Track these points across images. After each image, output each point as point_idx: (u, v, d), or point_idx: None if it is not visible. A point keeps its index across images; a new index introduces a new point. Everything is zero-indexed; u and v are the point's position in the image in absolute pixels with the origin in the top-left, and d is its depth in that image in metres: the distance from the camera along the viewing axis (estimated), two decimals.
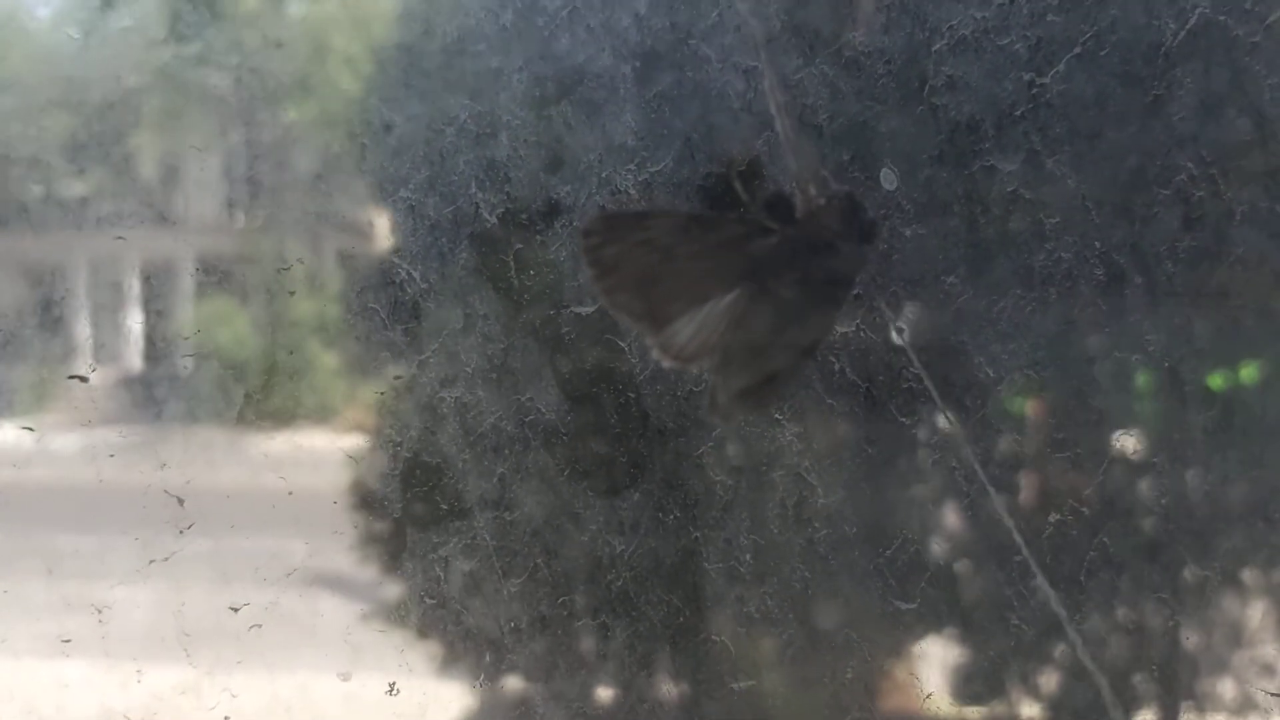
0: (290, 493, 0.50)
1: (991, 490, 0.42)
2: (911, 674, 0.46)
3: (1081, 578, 0.42)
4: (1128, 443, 0.43)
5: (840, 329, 0.43)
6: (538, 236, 0.46)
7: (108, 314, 0.61)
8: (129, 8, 0.55)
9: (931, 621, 0.46)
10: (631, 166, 0.45)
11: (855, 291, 0.42)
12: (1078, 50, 0.39)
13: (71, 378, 0.54)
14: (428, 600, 0.50)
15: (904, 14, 0.42)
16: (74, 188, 0.55)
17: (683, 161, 0.44)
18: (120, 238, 0.54)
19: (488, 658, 0.50)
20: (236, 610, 0.50)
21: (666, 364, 0.40)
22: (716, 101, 0.44)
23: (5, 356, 0.56)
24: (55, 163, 0.54)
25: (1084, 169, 0.40)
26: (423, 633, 0.50)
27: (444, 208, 0.47)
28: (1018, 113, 0.40)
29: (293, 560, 0.51)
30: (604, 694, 0.50)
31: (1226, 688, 0.45)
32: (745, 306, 0.39)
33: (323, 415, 0.54)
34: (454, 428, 0.48)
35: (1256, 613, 0.44)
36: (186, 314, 0.58)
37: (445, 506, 0.49)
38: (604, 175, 0.45)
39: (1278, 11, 0.38)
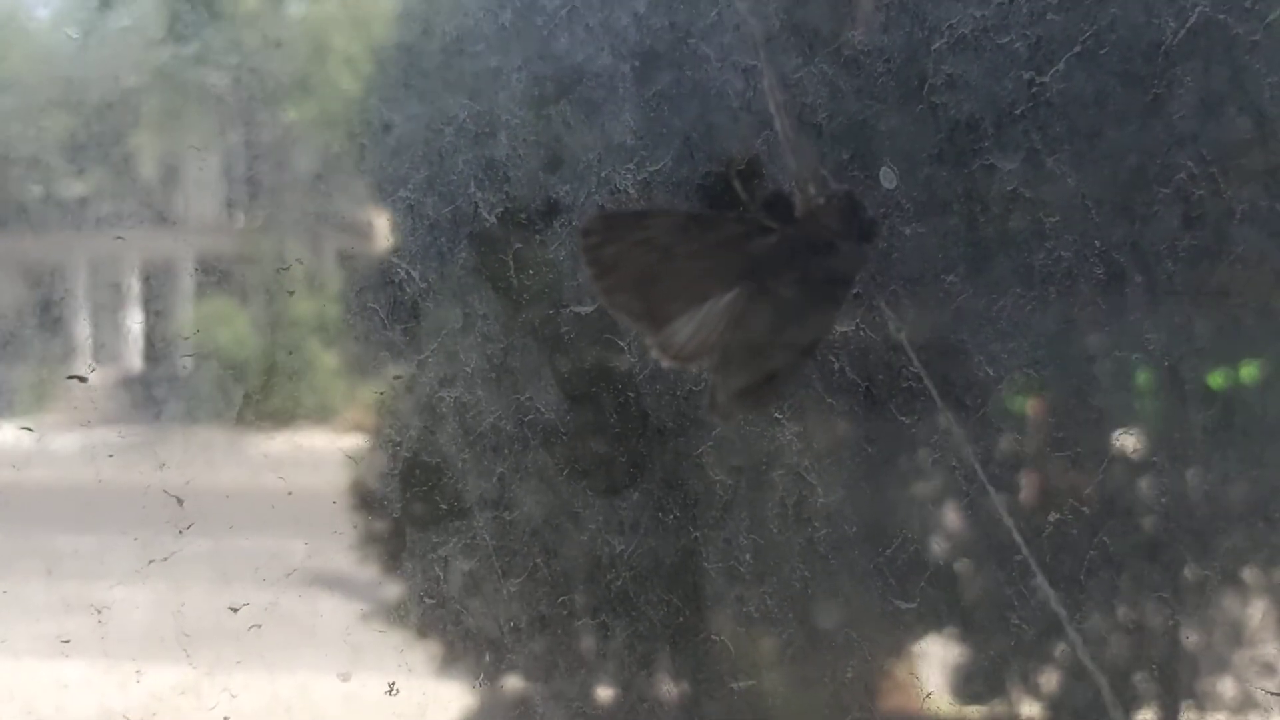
0: (290, 493, 0.50)
1: (991, 489, 0.42)
2: (911, 673, 0.46)
3: (1081, 577, 0.42)
4: (1128, 442, 0.43)
5: (840, 328, 0.43)
6: (537, 236, 0.46)
7: (107, 314, 0.61)
8: (128, 8, 0.55)
9: (931, 621, 0.46)
10: (630, 166, 0.45)
11: (855, 290, 0.42)
12: (1077, 49, 0.39)
13: (71, 378, 0.54)
14: (427, 600, 0.50)
15: (903, 13, 0.41)
16: (73, 188, 0.55)
17: (682, 161, 0.44)
18: (120, 238, 0.54)
19: (487, 657, 0.50)
20: (236, 610, 0.50)
21: (666, 363, 0.40)
22: (715, 100, 0.44)
23: (5, 357, 0.56)
24: (55, 163, 0.54)
25: (1084, 168, 0.40)
26: (422, 633, 0.50)
27: (443, 207, 0.47)
28: (1017, 111, 0.40)
29: (292, 560, 0.51)
30: (604, 694, 0.50)
31: (1227, 687, 0.44)
32: (744, 306, 0.39)
33: (322, 415, 0.54)
34: (453, 427, 0.48)
35: (1257, 612, 0.44)
36: (186, 314, 0.58)
37: (445, 506, 0.49)
38: (603, 174, 0.45)
39: (1277, 10, 0.38)
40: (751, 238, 0.39)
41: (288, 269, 0.52)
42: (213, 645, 0.51)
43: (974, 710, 0.47)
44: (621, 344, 0.46)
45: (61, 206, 0.55)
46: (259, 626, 0.50)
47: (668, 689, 0.49)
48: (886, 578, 0.44)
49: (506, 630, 0.49)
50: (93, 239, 0.58)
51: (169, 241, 0.57)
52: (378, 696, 0.50)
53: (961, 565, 0.45)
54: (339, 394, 0.54)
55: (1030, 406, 0.43)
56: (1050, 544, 0.42)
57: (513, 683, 0.51)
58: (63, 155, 0.54)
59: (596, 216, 0.42)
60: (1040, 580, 0.42)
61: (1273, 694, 0.44)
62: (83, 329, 0.60)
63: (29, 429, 0.55)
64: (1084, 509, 0.42)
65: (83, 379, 0.54)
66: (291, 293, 0.51)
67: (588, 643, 0.49)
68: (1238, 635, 0.44)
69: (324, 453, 0.52)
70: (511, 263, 0.47)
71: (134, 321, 0.60)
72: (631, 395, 0.46)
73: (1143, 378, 0.42)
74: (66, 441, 0.56)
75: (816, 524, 0.45)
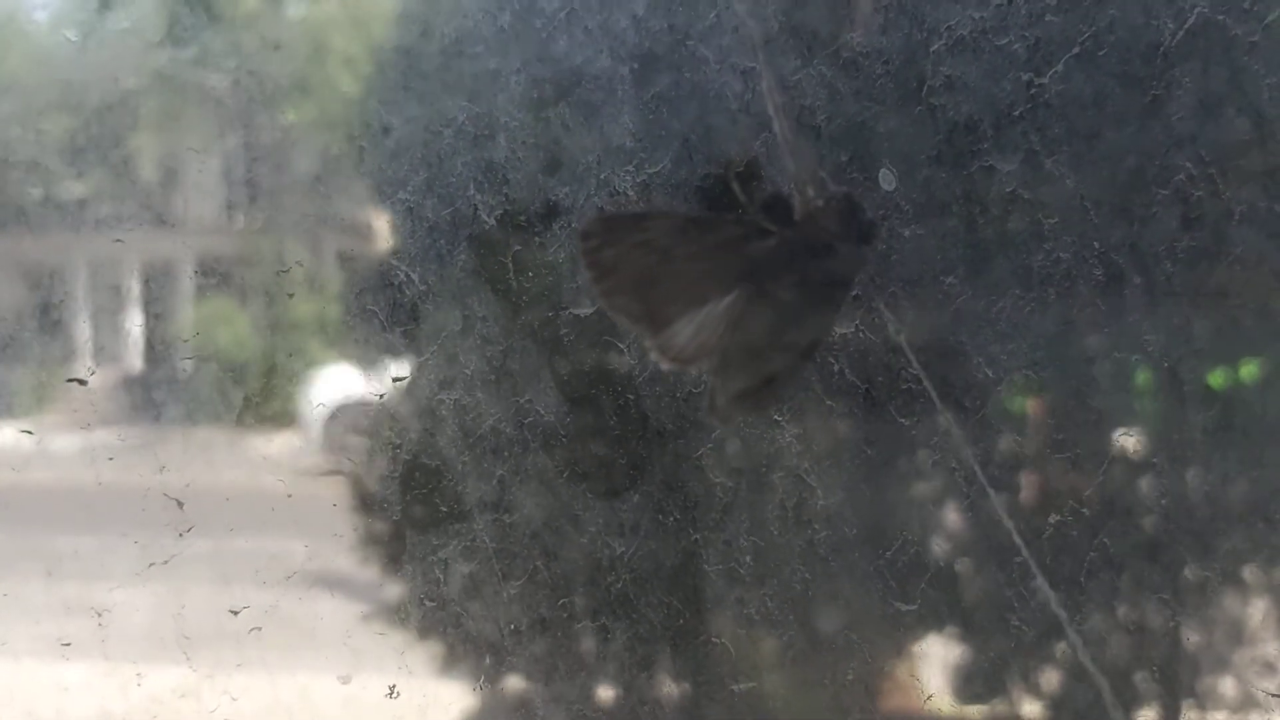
0: (290, 495, 0.50)
1: (991, 491, 0.42)
2: (912, 675, 0.46)
3: (1082, 578, 0.42)
4: (1127, 443, 0.43)
5: (839, 330, 0.43)
6: (536, 238, 0.46)
7: (107, 317, 0.61)
8: (126, 10, 0.55)
9: (932, 623, 0.46)
10: (630, 168, 0.45)
11: (854, 292, 0.42)
12: (1076, 50, 0.39)
13: (70, 381, 0.54)
14: (427, 603, 0.50)
15: (902, 14, 0.41)
16: (73, 190, 0.55)
17: (681, 163, 0.44)
18: (119, 240, 0.54)
19: (488, 660, 0.50)
20: (236, 613, 0.50)
21: (665, 366, 0.40)
22: (714, 103, 0.44)
23: (5, 359, 0.56)
24: (54, 165, 0.54)
25: (1082, 169, 0.40)
26: (423, 635, 0.50)
27: (442, 210, 0.47)
28: (1016, 113, 0.40)
29: (292, 563, 0.51)
30: (604, 696, 0.50)
31: (1227, 687, 0.44)
32: (744, 308, 0.39)
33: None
34: (453, 430, 0.48)
35: (1258, 612, 0.44)
36: (186, 316, 0.58)
37: (445, 509, 0.49)
38: (602, 177, 0.45)
39: (1276, 11, 0.38)
40: (750, 240, 0.39)
41: (288, 271, 0.52)
42: (213, 648, 0.51)
43: (975, 711, 0.47)
44: (621, 346, 0.46)
45: (61, 209, 0.55)
46: (259, 629, 0.50)
47: (668, 691, 0.49)
48: (887, 579, 0.44)
49: (507, 633, 0.49)
50: (92, 241, 0.58)
51: (169, 244, 0.57)
52: (378, 699, 0.50)
53: (962, 567, 0.45)
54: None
55: (1030, 407, 0.43)
56: (1050, 545, 0.42)
57: (513, 685, 0.51)
58: (62, 158, 0.54)
59: (596, 219, 0.42)
60: (1041, 582, 0.42)
61: (1273, 695, 0.44)
62: (82, 331, 0.60)
63: (29, 432, 0.55)
64: (1084, 510, 0.42)
65: (82, 382, 0.54)
66: (291, 295, 0.51)
67: (588, 645, 0.49)
68: (1238, 635, 0.44)
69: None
70: (511, 265, 0.47)
71: (134, 324, 0.60)
72: (631, 397, 0.46)
73: (1142, 379, 0.42)
74: (66, 444, 0.56)
75: (817, 526, 0.45)
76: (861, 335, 0.43)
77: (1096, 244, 0.40)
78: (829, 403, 0.44)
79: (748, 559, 0.46)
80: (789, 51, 0.43)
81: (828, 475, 0.45)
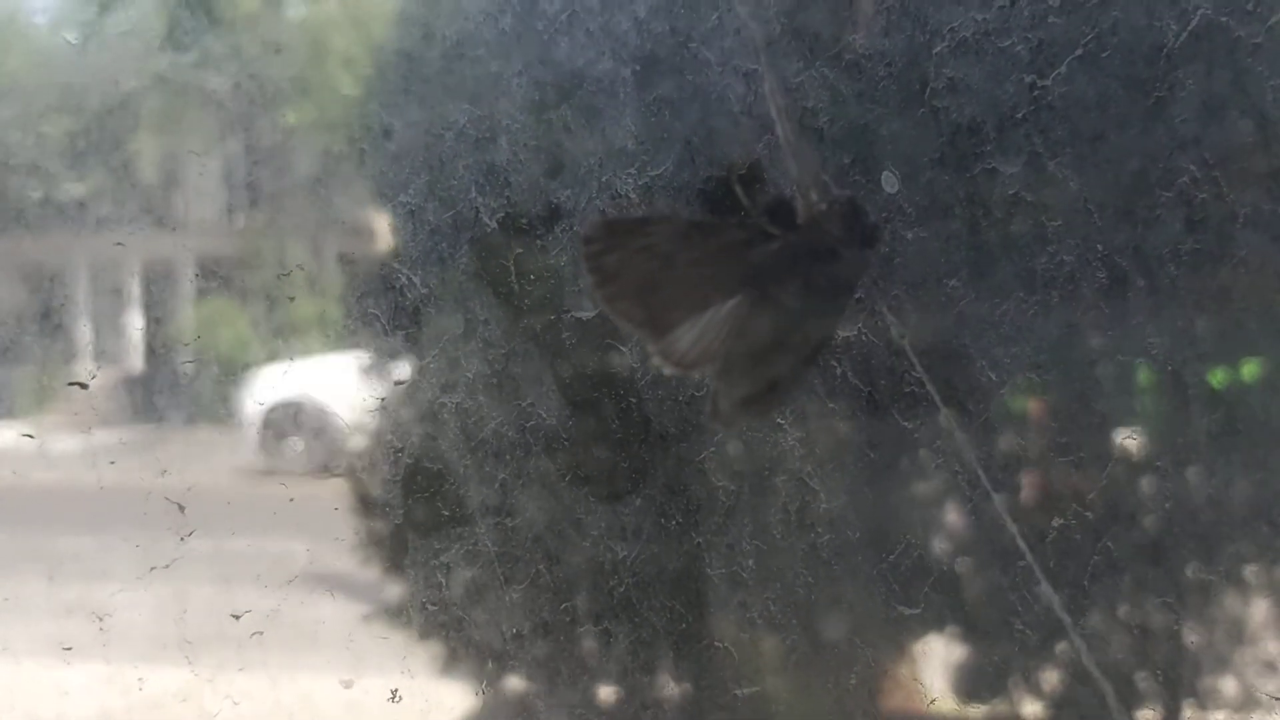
0: (291, 499, 0.50)
1: (994, 494, 0.42)
2: (915, 679, 0.46)
3: (1085, 582, 0.42)
4: (1131, 445, 0.43)
5: (842, 333, 0.42)
6: (538, 241, 0.46)
7: (108, 319, 0.61)
8: (127, 12, 0.55)
9: (935, 626, 0.46)
10: (632, 171, 0.44)
11: (857, 296, 0.42)
12: (1079, 52, 0.39)
13: (72, 384, 0.54)
14: (429, 607, 0.49)
15: (904, 16, 0.41)
16: (74, 193, 0.55)
17: (683, 165, 0.44)
18: (120, 244, 0.54)
19: (490, 664, 0.50)
20: (238, 617, 0.50)
21: (668, 371, 0.40)
22: (716, 105, 0.44)
23: (6, 361, 0.56)
24: (55, 168, 0.54)
25: (1086, 171, 0.40)
26: (425, 639, 0.50)
27: (444, 213, 0.47)
28: (1019, 115, 0.40)
29: (294, 567, 0.51)
30: (607, 700, 0.50)
31: (1231, 688, 0.44)
32: (747, 313, 0.39)
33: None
34: (455, 433, 0.48)
35: (1260, 613, 0.44)
36: (187, 318, 0.58)
37: (446, 512, 0.49)
38: (604, 179, 0.45)
39: (1279, 13, 0.38)
40: (754, 244, 0.38)
41: (288, 274, 0.52)
42: (215, 652, 0.51)
43: (978, 714, 0.47)
44: (623, 349, 0.46)
45: (62, 211, 0.55)
46: (261, 633, 0.50)
47: (671, 695, 0.49)
48: (890, 583, 0.44)
49: (509, 636, 0.49)
50: (93, 244, 0.58)
51: (170, 246, 0.57)
52: (380, 703, 0.50)
53: (965, 570, 0.45)
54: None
55: (1032, 408, 0.43)
56: (1054, 549, 0.42)
57: (516, 689, 0.51)
58: (63, 160, 0.54)
59: (598, 223, 0.42)
60: (1045, 586, 0.42)
61: (1275, 697, 0.44)
62: (83, 334, 0.60)
63: (30, 435, 0.55)
64: (1088, 514, 0.42)
65: (84, 385, 0.54)
66: (292, 298, 0.51)
67: (590, 649, 0.49)
68: (1241, 636, 0.44)
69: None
70: (512, 268, 0.47)
71: (134, 327, 0.60)
72: (633, 401, 0.46)
73: (1146, 381, 0.42)
74: (67, 446, 0.56)
75: (819, 529, 0.45)
76: (864, 338, 0.43)
77: (1100, 246, 0.40)
78: (831, 406, 0.44)
79: (750, 563, 0.46)
80: (791, 54, 0.42)
81: (830, 478, 0.45)
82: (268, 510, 0.51)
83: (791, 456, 0.45)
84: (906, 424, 0.43)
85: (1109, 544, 0.42)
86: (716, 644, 0.47)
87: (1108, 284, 0.41)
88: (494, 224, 0.47)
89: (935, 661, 0.46)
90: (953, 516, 0.45)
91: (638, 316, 0.39)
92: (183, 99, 0.55)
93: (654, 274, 0.38)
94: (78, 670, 0.52)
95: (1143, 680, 0.44)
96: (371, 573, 0.52)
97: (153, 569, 0.50)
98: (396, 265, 0.48)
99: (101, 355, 0.60)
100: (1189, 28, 0.38)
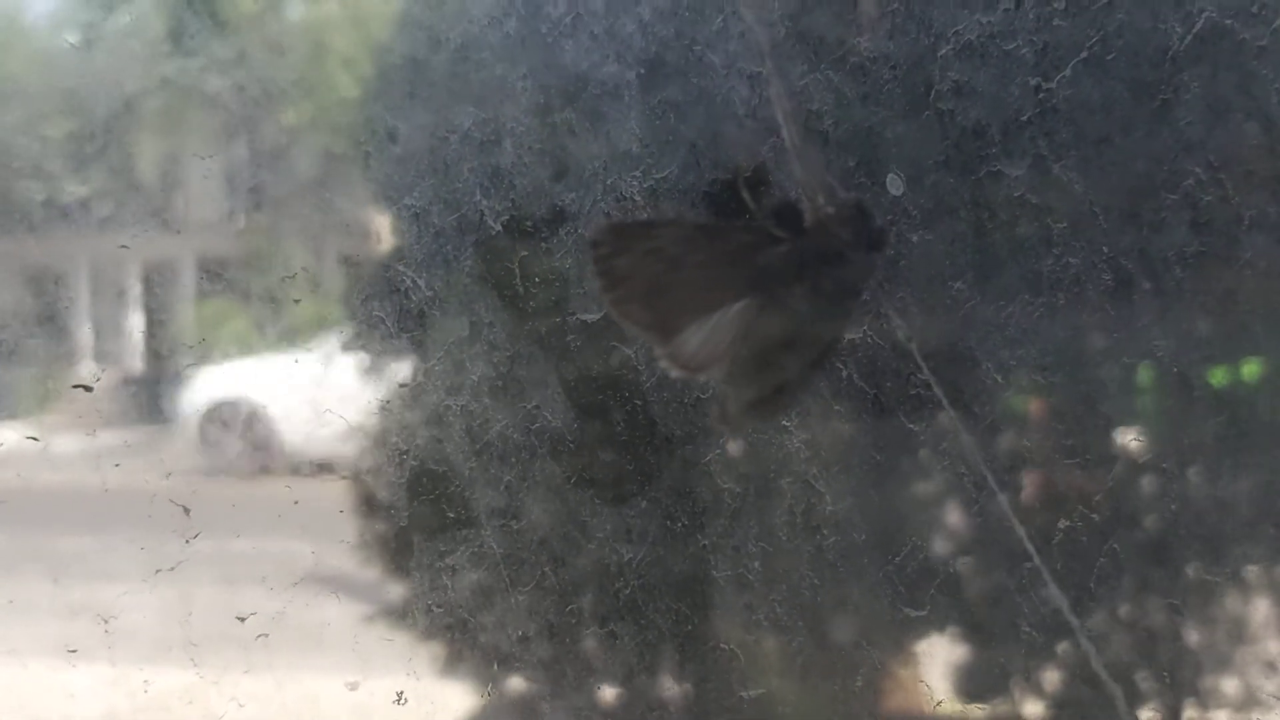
0: (296, 501, 0.50)
1: (1002, 496, 0.42)
2: (922, 681, 0.46)
3: (1091, 584, 0.42)
4: (1137, 447, 0.43)
5: (848, 335, 0.43)
6: (543, 244, 0.46)
7: (111, 321, 0.61)
8: (128, 14, 0.55)
9: (942, 629, 0.46)
10: (637, 174, 0.44)
11: (863, 298, 0.42)
12: (1084, 55, 0.39)
13: (76, 387, 0.54)
14: (435, 609, 0.50)
15: (909, 20, 0.41)
16: (77, 195, 0.55)
17: (688, 169, 0.44)
18: (125, 246, 0.54)
19: (495, 666, 0.50)
20: (243, 619, 0.50)
21: (675, 374, 0.40)
22: (722, 108, 0.44)
23: (10, 363, 0.56)
24: (57, 170, 0.54)
25: (1091, 174, 0.40)
26: (430, 641, 0.50)
27: (449, 215, 0.47)
28: (1024, 118, 0.40)
29: (299, 569, 0.51)
30: (612, 702, 0.50)
31: (1231, 687, 0.44)
32: (754, 316, 0.39)
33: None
34: (460, 436, 0.48)
35: (1261, 613, 0.44)
36: (191, 320, 0.58)
37: (452, 515, 0.49)
38: (609, 182, 0.45)
39: None
40: (761, 247, 0.38)
41: (293, 277, 0.52)
42: (220, 654, 0.51)
43: (983, 714, 0.47)
44: (629, 352, 0.46)
45: (66, 214, 0.55)
46: (266, 635, 0.50)
47: (676, 697, 0.49)
48: (896, 585, 0.44)
49: (515, 639, 0.49)
50: (97, 246, 0.58)
51: (174, 249, 0.57)
52: (386, 705, 0.50)
53: (971, 573, 0.45)
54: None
55: (1034, 408, 0.43)
56: (1060, 551, 0.42)
57: (521, 691, 0.51)
58: (66, 162, 0.54)
59: (606, 227, 0.42)
60: (1053, 589, 0.42)
61: (1278, 698, 0.44)
62: (88, 336, 0.60)
63: (34, 438, 0.55)
64: (1094, 515, 0.42)
65: (88, 388, 0.54)
66: (297, 301, 0.51)
67: (596, 651, 0.49)
68: (1245, 636, 0.44)
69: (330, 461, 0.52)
70: (517, 271, 0.47)
71: (138, 328, 0.60)
72: (639, 403, 0.46)
73: (1151, 382, 0.42)
74: (72, 449, 0.56)
75: (825, 532, 0.45)
76: (870, 340, 0.43)
77: (1105, 249, 0.40)
78: (837, 408, 0.44)
79: (756, 565, 0.46)
80: (796, 57, 0.42)
81: (836, 481, 0.45)
82: (272, 512, 0.51)
83: (797, 459, 0.45)
84: (912, 426, 0.43)
85: (1116, 546, 0.42)
86: (722, 646, 0.47)
87: (1113, 286, 0.41)
88: (499, 227, 0.47)
89: (941, 663, 0.46)
90: (959, 518, 0.45)
91: (645, 319, 0.39)
92: (185, 101, 0.55)
93: (661, 277, 0.38)
94: (83, 672, 0.52)
95: (1146, 677, 0.44)
96: (377, 575, 0.52)
97: (158, 571, 0.50)
98: (401, 268, 0.48)
99: (105, 357, 0.60)
100: (1194, 31, 0.38)
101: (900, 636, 0.46)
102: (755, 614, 0.46)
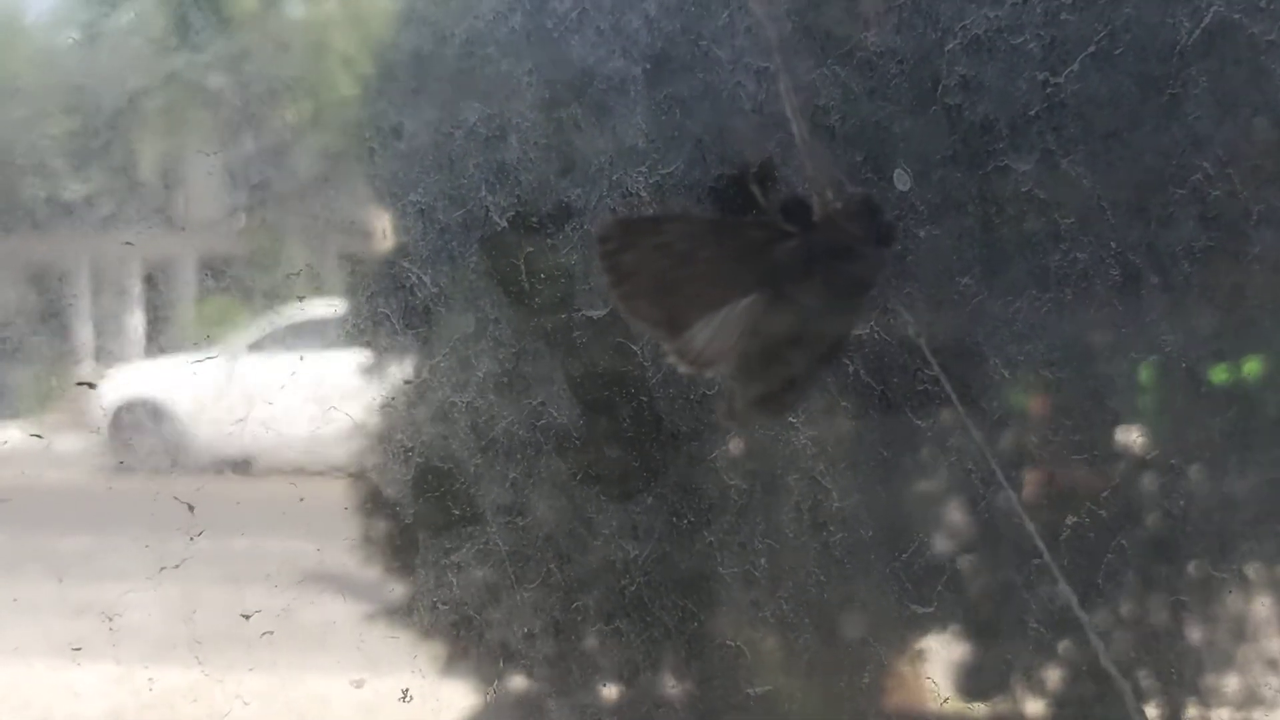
0: (301, 499, 0.50)
1: (1011, 493, 0.42)
2: (929, 678, 0.46)
3: (1099, 580, 0.42)
4: (1144, 443, 0.43)
5: (857, 331, 0.42)
6: (548, 240, 0.46)
7: (115, 319, 0.61)
8: (130, 11, 0.55)
9: (949, 625, 0.46)
10: (643, 169, 0.44)
11: (872, 294, 0.42)
12: (1092, 49, 0.39)
13: (80, 384, 0.54)
14: (440, 606, 0.49)
15: (916, 14, 0.41)
16: (79, 192, 0.55)
17: (694, 164, 0.44)
18: (129, 243, 0.54)
19: (501, 663, 0.50)
20: (248, 617, 0.50)
21: (683, 370, 0.40)
22: (728, 103, 0.43)
23: (14, 361, 0.56)
24: (60, 167, 0.54)
25: (1099, 169, 0.40)
26: (435, 639, 0.50)
27: (454, 211, 0.47)
28: (1032, 112, 0.40)
29: (304, 567, 0.51)
30: (619, 699, 0.50)
31: (1233, 685, 0.44)
32: (763, 311, 0.39)
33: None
34: (466, 433, 0.48)
35: (1269, 612, 0.44)
36: (194, 318, 0.58)
37: (457, 512, 0.49)
38: (615, 178, 0.45)
39: None
40: (770, 242, 0.38)
41: (298, 274, 0.52)
42: (225, 652, 0.51)
43: (987, 711, 0.47)
44: (634, 348, 0.45)
45: (69, 211, 0.55)
46: (271, 633, 0.50)
47: (683, 694, 0.49)
48: (903, 582, 0.44)
49: (520, 636, 0.49)
50: (100, 243, 0.58)
51: (177, 246, 0.57)
52: (391, 703, 0.50)
53: (979, 569, 0.45)
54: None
55: (1039, 404, 0.43)
56: (1068, 547, 0.42)
57: (526, 688, 0.50)
58: (69, 160, 0.54)
59: (614, 222, 0.42)
60: (1062, 585, 0.42)
61: None
62: (91, 334, 0.60)
63: (38, 435, 0.54)
64: (1101, 512, 0.42)
65: (92, 385, 0.54)
66: (301, 298, 0.51)
67: (602, 648, 0.49)
68: (1250, 633, 0.44)
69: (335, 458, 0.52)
70: (523, 267, 0.47)
71: (142, 326, 0.60)
72: (645, 400, 0.46)
73: (1157, 378, 0.42)
74: (76, 446, 0.56)
75: (832, 528, 0.45)
76: (877, 336, 0.43)
77: (1113, 244, 0.40)
78: (844, 404, 0.44)
79: (763, 562, 0.46)
80: (802, 52, 0.42)
81: (843, 477, 0.45)
82: (277, 510, 0.51)
83: (804, 455, 0.45)
84: (919, 422, 0.43)
85: (1123, 542, 0.42)
86: (729, 643, 0.47)
87: (1121, 281, 0.41)
88: (504, 222, 0.46)
89: (948, 660, 0.46)
90: (967, 515, 0.44)
91: (653, 315, 0.39)
92: (188, 98, 0.54)
93: (669, 272, 0.38)
94: (87, 670, 0.52)
95: (1155, 674, 0.44)
96: (381, 572, 0.51)
97: (162, 569, 0.50)
98: (406, 264, 0.48)
99: (109, 355, 0.60)
100: (1202, 25, 0.38)
101: (907, 633, 0.46)
102: (761, 611, 0.46)
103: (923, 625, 0.45)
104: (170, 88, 0.54)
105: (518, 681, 0.50)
